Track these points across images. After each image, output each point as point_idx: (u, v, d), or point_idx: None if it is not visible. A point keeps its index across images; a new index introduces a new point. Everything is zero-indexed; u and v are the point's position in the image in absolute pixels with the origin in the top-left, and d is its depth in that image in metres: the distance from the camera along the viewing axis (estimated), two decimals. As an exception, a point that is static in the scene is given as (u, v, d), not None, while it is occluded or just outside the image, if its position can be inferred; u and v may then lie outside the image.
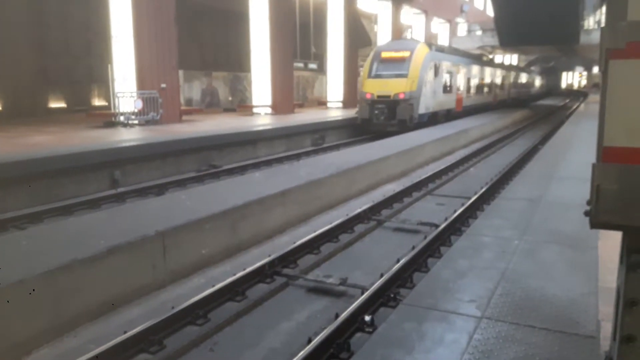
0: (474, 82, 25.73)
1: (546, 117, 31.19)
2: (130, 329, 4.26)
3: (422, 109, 18.72)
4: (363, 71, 20.00)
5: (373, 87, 18.77)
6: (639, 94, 1.83)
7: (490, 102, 29.02)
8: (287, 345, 4.42)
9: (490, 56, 40.65)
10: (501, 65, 35.32)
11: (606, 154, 1.90)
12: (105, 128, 14.77)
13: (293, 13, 23.50)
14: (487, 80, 28.62)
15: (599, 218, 1.96)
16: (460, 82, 23.35)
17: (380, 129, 18.32)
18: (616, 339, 2.19)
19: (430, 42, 22.07)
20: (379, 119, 18.43)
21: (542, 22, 26.60)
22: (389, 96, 18.31)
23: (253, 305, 5.14)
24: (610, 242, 4.35)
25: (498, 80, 31.38)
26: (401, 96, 18.14)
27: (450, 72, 21.75)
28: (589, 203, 2.01)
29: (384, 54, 19.51)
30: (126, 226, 5.70)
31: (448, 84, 21.65)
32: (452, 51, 24.23)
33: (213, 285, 5.14)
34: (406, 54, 18.98)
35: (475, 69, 26.06)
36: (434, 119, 19.89)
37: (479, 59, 29.17)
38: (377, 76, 19.01)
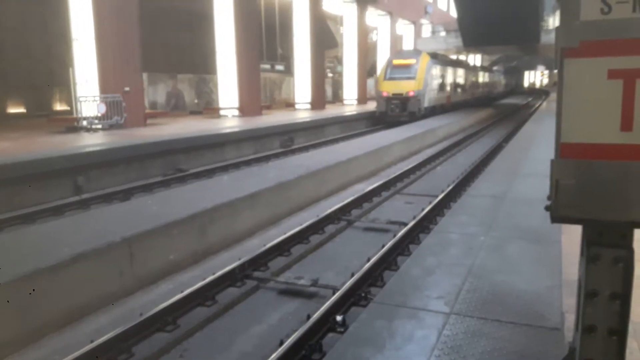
0: (458, 82, 31.37)
1: (509, 115, 31.94)
2: (97, 338, 4.16)
3: (426, 103, 23.95)
4: (379, 75, 25.39)
5: (388, 87, 23.72)
6: (592, 91, 1.89)
7: (469, 98, 34.45)
8: (258, 348, 4.40)
9: (462, 57, 42.56)
10: (476, 68, 40.64)
11: (564, 150, 1.96)
12: (68, 133, 14.39)
13: (258, 14, 23.39)
14: (467, 80, 34.29)
15: (558, 212, 2.02)
16: (449, 82, 28.95)
17: (394, 119, 22.72)
18: (579, 330, 2.25)
19: (429, 52, 26.55)
20: (394, 111, 23.27)
21: (504, 22, 27.27)
22: (401, 94, 23.22)
23: (223, 310, 5.10)
24: (573, 236, 4.48)
25: (474, 80, 37.32)
26: (411, 94, 23.16)
27: (443, 75, 27.37)
28: (549, 198, 2.06)
29: (395, 62, 24.71)
30: (91, 233, 5.57)
31: (442, 84, 27.21)
32: (443, 58, 29.64)
33: (182, 291, 5.07)
34: (412, 61, 24.11)
35: (458, 71, 31.48)
36: (433, 111, 24.96)
37: (461, 64, 34.59)
38: (391, 78, 23.95)
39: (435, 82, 25.77)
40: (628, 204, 1.92)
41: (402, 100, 23.16)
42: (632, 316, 2.20)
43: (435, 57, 26.76)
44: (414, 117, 22.56)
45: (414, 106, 23.05)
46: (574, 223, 2.11)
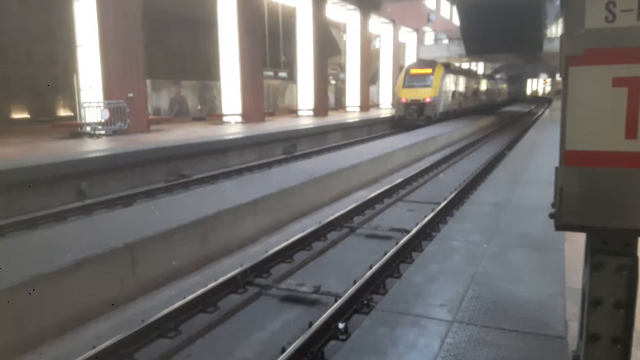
0: (468, 90, 33.54)
1: (512, 123, 31.97)
2: (99, 344, 4.15)
3: (441, 109, 26.30)
4: (398, 83, 27.66)
5: (406, 94, 26.02)
6: (597, 99, 1.89)
7: (477, 104, 36.68)
8: (260, 355, 4.38)
9: (465, 65, 43.39)
10: (483, 76, 42.38)
11: (568, 158, 1.96)
12: (71, 139, 14.44)
13: (262, 21, 23.49)
14: (475, 88, 36.55)
15: (563, 220, 2.01)
16: (460, 90, 31.10)
17: (412, 123, 24.86)
18: (582, 338, 2.24)
19: (443, 62, 28.47)
20: (412, 116, 25.51)
21: (506, 30, 27.39)
22: (418, 100, 25.50)
23: (225, 316, 5.09)
24: (576, 244, 4.46)
25: (482, 88, 39.50)
26: (427, 100, 25.43)
27: (455, 84, 29.66)
28: (553, 206, 2.06)
29: (412, 71, 26.98)
30: (93, 239, 5.57)
31: (454, 91, 29.42)
32: (454, 68, 32.20)
33: (184, 297, 5.07)
34: (429, 71, 26.37)
35: (468, 80, 33.73)
36: (447, 115, 27.21)
37: (470, 73, 37.47)
38: (409, 86, 26.20)
39: (449, 90, 28.10)
40: (632, 212, 1.92)
41: (419, 106, 25.48)
42: (636, 325, 2.19)
43: (448, 67, 28.80)
44: (430, 121, 24.74)
45: (430, 111, 25.36)
46: (578, 231, 2.10)
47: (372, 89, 36.43)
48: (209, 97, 26.61)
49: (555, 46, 32.66)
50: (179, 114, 24.68)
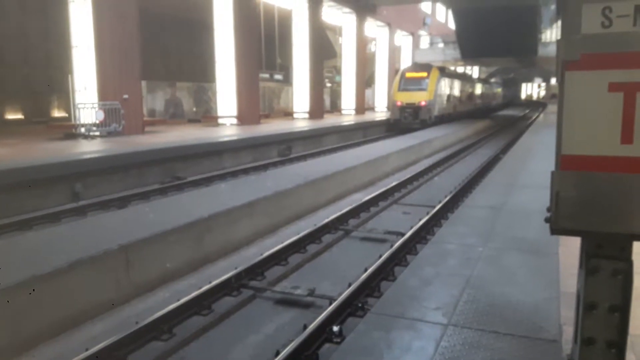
0: (463, 93, 33.84)
1: (507, 127, 32.09)
2: (92, 346, 4.13)
3: (436, 112, 26.42)
4: (393, 86, 27.68)
5: (402, 97, 26.06)
6: (593, 104, 1.90)
7: (472, 108, 36.75)
8: (254, 358, 4.37)
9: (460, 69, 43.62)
10: (477, 80, 42.34)
11: (564, 162, 1.97)
12: (66, 140, 14.38)
13: (258, 24, 23.50)
14: (470, 92, 36.81)
15: (559, 224, 2.02)
16: (455, 94, 31.37)
17: (407, 126, 24.97)
18: (577, 342, 2.25)
19: (438, 66, 28.56)
20: (407, 119, 25.57)
21: (502, 34, 27.66)
22: (414, 103, 25.56)
23: (220, 319, 5.07)
24: (571, 248, 4.48)
25: (477, 92, 39.59)
26: (422, 104, 25.47)
27: (450, 87, 29.78)
28: (549, 210, 2.07)
29: (408, 74, 27.05)
30: (88, 240, 5.55)
31: (449, 95, 29.60)
32: (450, 72, 32.50)
33: (178, 300, 5.05)
34: (424, 74, 26.41)
35: (463, 84, 33.87)
36: (442, 119, 27.40)
37: (465, 77, 37.31)
38: (405, 89, 26.29)
39: (444, 93, 28.27)
40: (628, 217, 1.93)
41: (414, 109, 25.56)
42: (630, 329, 2.20)
43: (443, 70, 28.96)
44: (425, 125, 24.89)
45: (425, 114, 25.45)
46: (573, 235, 2.11)
47: (368, 92, 36.52)
48: (205, 99, 26.60)
49: (550, 50, 32.96)
50: (174, 115, 24.64)
